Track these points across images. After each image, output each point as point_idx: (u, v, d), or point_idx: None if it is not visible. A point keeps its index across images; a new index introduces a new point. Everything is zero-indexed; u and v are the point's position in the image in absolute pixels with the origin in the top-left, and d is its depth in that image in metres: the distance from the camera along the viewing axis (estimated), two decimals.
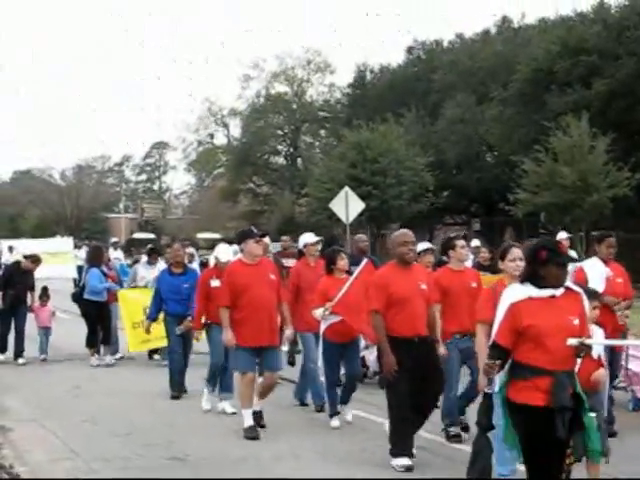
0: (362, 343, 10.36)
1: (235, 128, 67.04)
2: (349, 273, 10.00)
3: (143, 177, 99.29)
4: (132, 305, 14.82)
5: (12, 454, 8.64)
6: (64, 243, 37.95)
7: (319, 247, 11.09)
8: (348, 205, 23.93)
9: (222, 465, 8.16)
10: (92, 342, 14.73)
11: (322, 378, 10.07)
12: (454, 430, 8.90)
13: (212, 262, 11.25)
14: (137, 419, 10.27)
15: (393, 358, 7.91)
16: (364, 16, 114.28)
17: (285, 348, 10.40)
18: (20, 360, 14.73)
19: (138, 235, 66.51)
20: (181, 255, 12.49)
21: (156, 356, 15.06)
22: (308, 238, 11.06)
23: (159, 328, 13.17)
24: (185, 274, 12.18)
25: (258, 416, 9.47)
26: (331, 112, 60.27)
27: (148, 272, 15.40)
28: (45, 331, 15.44)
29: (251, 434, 9.12)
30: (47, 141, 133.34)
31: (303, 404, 10.92)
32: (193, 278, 11.95)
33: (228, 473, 7.82)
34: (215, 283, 10.49)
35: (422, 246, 10.39)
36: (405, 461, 7.89)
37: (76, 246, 35.44)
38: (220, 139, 69.48)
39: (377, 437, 8.90)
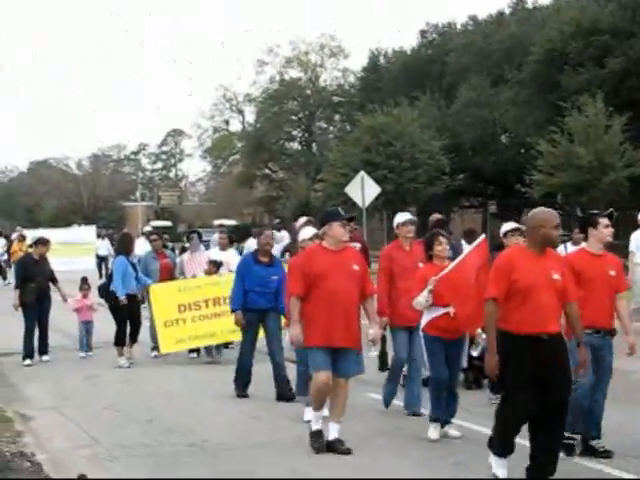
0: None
1: (250, 114, 67.23)
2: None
3: (159, 165, 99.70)
4: (165, 302, 13.51)
5: (33, 442, 8.71)
6: (86, 232, 37.49)
7: (412, 227, 9.62)
8: (364, 189, 23.89)
9: (241, 451, 8.17)
10: (122, 340, 13.42)
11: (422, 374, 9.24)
12: (574, 440, 7.69)
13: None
14: (157, 406, 10.32)
15: (497, 359, 6.77)
16: (364, 16, 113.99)
17: (375, 352, 9.11)
18: (44, 357, 13.93)
19: (155, 223, 66.71)
20: (271, 244, 11.19)
21: (192, 354, 14.05)
22: (399, 217, 9.70)
23: (194, 326, 12.97)
24: (273, 265, 10.93)
25: (338, 443, 7.97)
26: (345, 97, 60.24)
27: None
28: (87, 326, 14.41)
29: (315, 442, 7.99)
30: (47, 141, 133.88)
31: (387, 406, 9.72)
32: (282, 270, 10.71)
33: (247, 459, 7.86)
34: None
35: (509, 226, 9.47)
36: (502, 471, 6.86)
37: (99, 235, 34.89)
38: (235, 125, 69.73)
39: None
